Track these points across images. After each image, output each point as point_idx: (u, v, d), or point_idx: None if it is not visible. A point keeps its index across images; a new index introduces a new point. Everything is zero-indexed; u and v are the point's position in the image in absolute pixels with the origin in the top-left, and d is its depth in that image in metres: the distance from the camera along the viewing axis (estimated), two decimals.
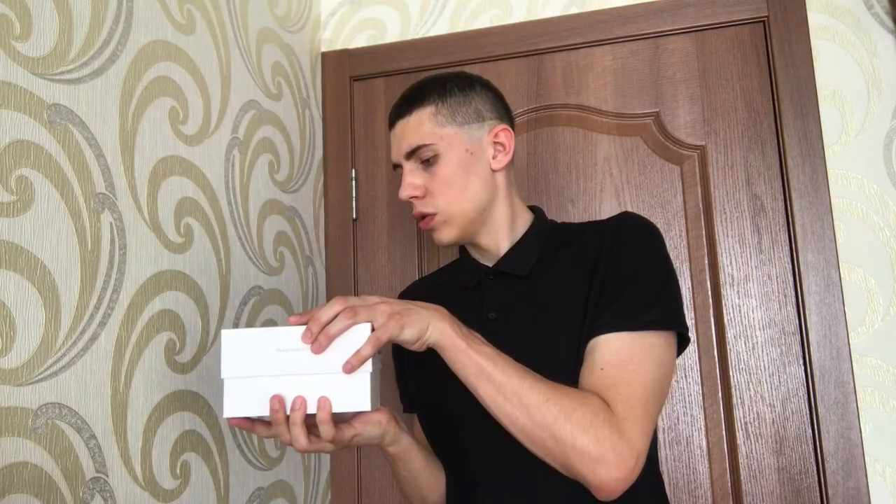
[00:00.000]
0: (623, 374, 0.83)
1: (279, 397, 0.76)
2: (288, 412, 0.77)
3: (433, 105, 0.99)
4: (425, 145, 0.97)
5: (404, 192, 0.99)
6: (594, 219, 1.43)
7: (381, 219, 1.57)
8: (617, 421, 0.79)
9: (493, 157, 1.00)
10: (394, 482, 1.42)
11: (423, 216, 0.99)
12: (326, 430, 0.78)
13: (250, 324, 1.20)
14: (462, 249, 1.10)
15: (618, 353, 0.84)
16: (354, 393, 0.78)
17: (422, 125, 0.98)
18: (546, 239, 1.02)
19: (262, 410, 0.77)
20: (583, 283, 0.93)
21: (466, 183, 0.98)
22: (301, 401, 0.77)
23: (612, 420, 0.79)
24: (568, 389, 0.82)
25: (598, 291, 0.90)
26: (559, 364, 0.90)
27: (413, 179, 0.99)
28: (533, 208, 1.07)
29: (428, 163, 0.98)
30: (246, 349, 0.77)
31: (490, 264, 1.03)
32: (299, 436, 0.77)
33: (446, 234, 1.00)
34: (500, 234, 1.02)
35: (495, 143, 1.00)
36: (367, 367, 0.77)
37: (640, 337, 0.85)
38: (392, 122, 1.02)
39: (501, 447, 0.89)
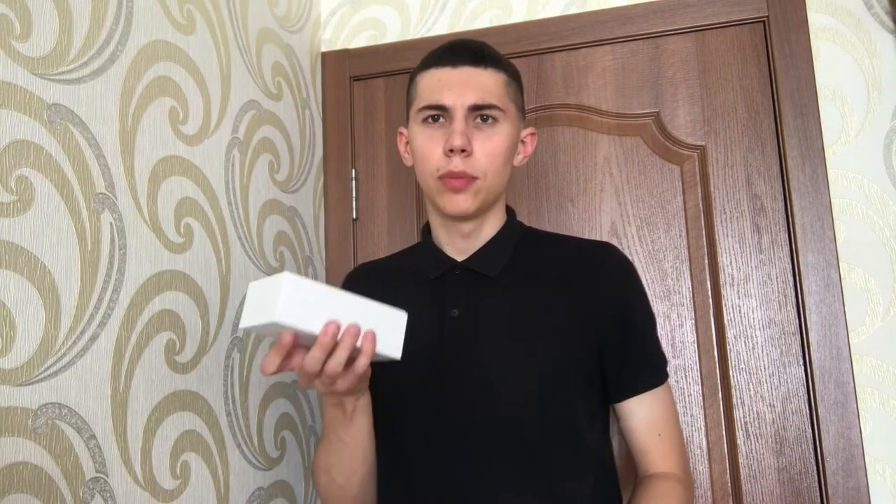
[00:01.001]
0: (673, 436, 0.97)
1: (335, 322, 0.75)
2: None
3: (507, 76, 0.97)
4: (496, 107, 0.93)
5: (458, 140, 0.90)
6: (593, 219, 1.44)
7: (381, 219, 1.57)
8: (687, 487, 0.95)
9: (517, 153, 1.01)
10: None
11: (460, 176, 0.92)
12: (364, 362, 0.77)
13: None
14: (427, 234, 1.06)
15: (663, 415, 0.97)
16: (391, 338, 0.79)
17: (497, 86, 0.94)
18: (516, 242, 1.02)
19: (314, 326, 0.75)
20: (577, 319, 0.96)
21: (507, 162, 0.96)
22: (356, 328, 0.75)
23: (689, 492, 0.94)
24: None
25: (620, 348, 0.97)
26: (526, 380, 0.92)
27: (467, 132, 0.92)
28: (508, 207, 1.06)
29: (483, 125, 0.93)
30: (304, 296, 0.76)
31: (457, 257, 1.00)
32: (342, 359, 0.75)
33: (472, 203, 0.93)
34: (486, 225, 1.00)
35: (522, 142, 1.02)
36: (403, 313, 0.80)
37: (666, 390, 1.00)
38: (455, 63, 0.94)
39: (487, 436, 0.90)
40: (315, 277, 1.50)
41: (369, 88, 1.62)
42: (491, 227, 1.01)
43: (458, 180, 0.92)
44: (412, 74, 1.01)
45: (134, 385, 0.92)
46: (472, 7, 1.58)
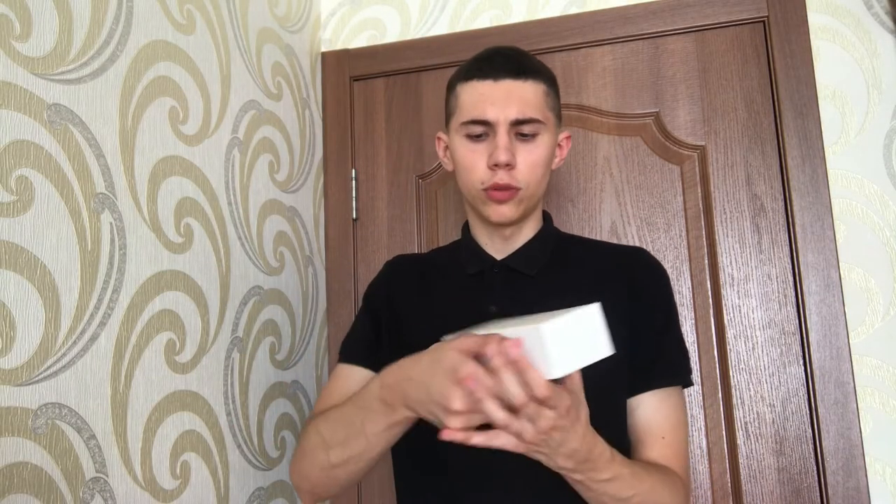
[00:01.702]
0: (679, 441, 0.95)
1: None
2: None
3: (546, 85, 0.97)
4: (538, 121, 0.94)
5: (504, 156, 0.92)
6: (593, 219, 1.44)
7: (381, 219, 1.57)
8: (686, 489, 0.93)
9: (554, 157, 1.02)
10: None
11: (505, 188, 0.94)
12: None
13: (250, 324, 1.20)
14: (466, 232, 1.08)
15: (669, 418, 0.95)
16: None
17: (537, 98, 0.95)
18: (554, 244, 1.04)
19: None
20: (609, 323, 0.96)
21: (546, 171, 0.98)
22: None
23: (686, 494, 0.92)
24: (666, 491, 0.87)
25: (637, 345, 0.96)
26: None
27: (511, 146, 0.93)
28: (544, 212, 1.08)
29: (525, 138, 0.95)
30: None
31: (497, 256, 1.03)
32: None
33: (515, 211, 0.96)
34: (525, 228, 1.03)
35: (559, 145, 1.03)
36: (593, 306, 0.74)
37: (677, 395, 0.97)
38: (496, 76, 0.94)
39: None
40: (315, 277, 1.50)
41: (369, 88, 1.62)
42: (530, 229, 1.03)
43: (502, 192, 0.94)
44: (451, 82, 1.02)
45: (134, 385, 0.92)
46: (472, 7, 1.58)
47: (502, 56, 0.97)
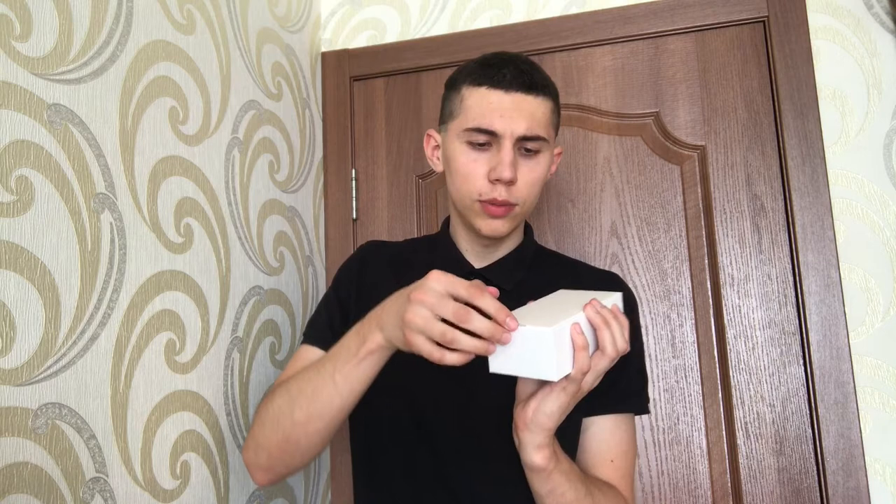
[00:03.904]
0: (627, 467, 0.95)
1: (580, 365, 0.75)
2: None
3: (552, 102, 0.95)
4: (542, 139, 0.92)
5: (509, 172, 0.89)
6: (593, 219, 1.44)
7: (381, 219, 1.57)
8: None
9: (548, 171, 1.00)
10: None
11: (503, 204, 0.92)
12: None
13: (250, 324, 1.20)
14: (446, 231, 1.06)
15: (621, 444, 0.95)
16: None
17: (545, 115, 0.93)
18: (532, 260, 1.03)
19: (566, 366, 0.75)
20: None
21: (542, 187, 0.97)
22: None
23: None
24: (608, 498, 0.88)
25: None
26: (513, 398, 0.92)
27: (515, 162, 0.91)
28: (526, 224, 1.07)
29: (527, 155, 0.93)
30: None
31: (475, 263, 1.01)
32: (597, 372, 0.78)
33: (508, 227, 0.95)
34: (508, 239, 1.02)
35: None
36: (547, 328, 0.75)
37: (631, 422, 0.98)
38: (507, 87, 0.91)
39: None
40: (315, 277, 1.50)
41: (369, 88, 1.62)
42: (511, 241, 1.02)
43: (499, 208, 0.92)
44: (455, 82, 0.98)
45: (134, 385, 0.92)
46: (472, 7, 1.58)
47: (515, 67, 0.93)
